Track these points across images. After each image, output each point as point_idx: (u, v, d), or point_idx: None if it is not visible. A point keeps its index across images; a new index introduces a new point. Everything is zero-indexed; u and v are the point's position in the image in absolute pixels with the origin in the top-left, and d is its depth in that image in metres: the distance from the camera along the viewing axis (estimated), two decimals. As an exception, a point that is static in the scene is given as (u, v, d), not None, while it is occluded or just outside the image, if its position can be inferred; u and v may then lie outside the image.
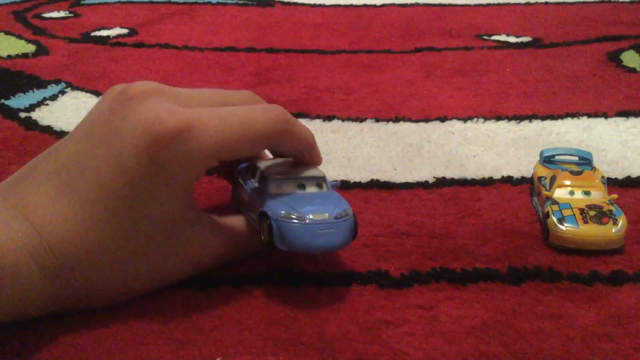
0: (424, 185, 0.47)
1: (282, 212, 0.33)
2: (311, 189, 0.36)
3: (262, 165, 0.37)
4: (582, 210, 0.40)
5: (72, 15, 1.01)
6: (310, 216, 0.33)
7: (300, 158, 0.37)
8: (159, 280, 0.34)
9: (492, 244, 0.40)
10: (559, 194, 0.41)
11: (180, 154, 0.31)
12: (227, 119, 0.33)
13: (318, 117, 0.60)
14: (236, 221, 0.37)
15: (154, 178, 0.32)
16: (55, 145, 0.35)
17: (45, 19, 0.98)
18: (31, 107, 0.62)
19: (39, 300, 0.31)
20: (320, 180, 0.36)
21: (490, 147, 0.53)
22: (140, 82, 0.33)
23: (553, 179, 0.43)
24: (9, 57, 0.78)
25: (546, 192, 0.42)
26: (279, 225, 0.33)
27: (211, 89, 0.37)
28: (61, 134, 0.56)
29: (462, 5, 1.07)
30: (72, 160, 0.32)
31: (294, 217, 0.33)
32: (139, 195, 0.32)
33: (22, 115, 0.60)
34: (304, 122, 0.58)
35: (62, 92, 0.66)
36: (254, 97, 0.38)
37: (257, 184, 0.36)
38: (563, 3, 1.07)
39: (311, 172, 0.37)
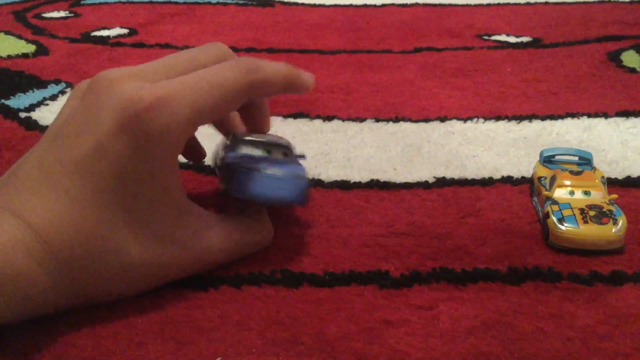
0: (424, 185, 0.47)
1: (240, 160, 0.37)
2: (277, 156, 0.38)
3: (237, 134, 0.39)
4: (582, 210, 0.40)
5: (72, 15, 1.01)
6: (268, 171, 0.36)
7: (288, 91, 0.38)
8: (158, 274, 0.34)
9: (492, 244, 0.40)
10: (559, 194, 0.41)
11: (159, 127, 0.32)
12: (197, 84, 0.34)
13: (318, 117, 0.60)
14: (234, 219, 0.38)
15: (136, 156, 0.32)
16: (33, 147, 0.35)
17: (45, 19, 0.98)
18: (31, 107, 0.62)
19: (41, 296, 0.31)
20: (285, 149, 0.39)
21: (490, 147, 0.53)
22: (106, 71, 0.34)
23: (553, 179, 0.43)
24: (9, 57, 0.78)
25: (546, 192, 0.42)
26: (238, 173, 0.36)
27: (176, 55, 0.37)
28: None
29: (462, 5, 1.07)
30: (51, 157, 0.33)
31: (252, 167, 0.36)
32: (123, 176, 0.32)
33: (22, 115, 0.60)
34: (303, 122, 0.59)
35: (62, 92, 0.66)
36: (222, 51, 0.38)
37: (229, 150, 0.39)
38: (563, 3, 1.07)
39: (277, 140, 0.39)
